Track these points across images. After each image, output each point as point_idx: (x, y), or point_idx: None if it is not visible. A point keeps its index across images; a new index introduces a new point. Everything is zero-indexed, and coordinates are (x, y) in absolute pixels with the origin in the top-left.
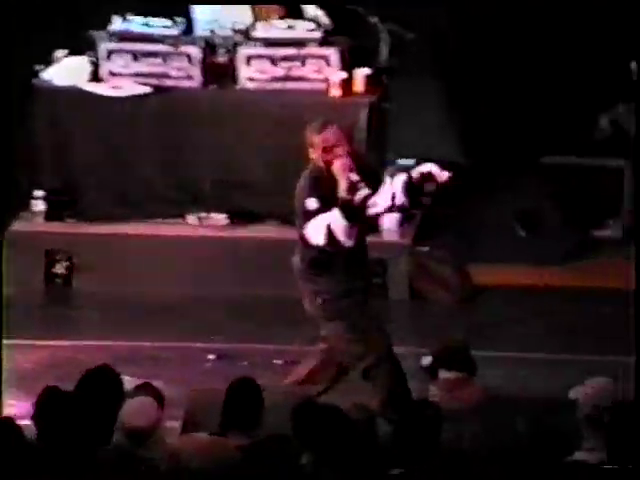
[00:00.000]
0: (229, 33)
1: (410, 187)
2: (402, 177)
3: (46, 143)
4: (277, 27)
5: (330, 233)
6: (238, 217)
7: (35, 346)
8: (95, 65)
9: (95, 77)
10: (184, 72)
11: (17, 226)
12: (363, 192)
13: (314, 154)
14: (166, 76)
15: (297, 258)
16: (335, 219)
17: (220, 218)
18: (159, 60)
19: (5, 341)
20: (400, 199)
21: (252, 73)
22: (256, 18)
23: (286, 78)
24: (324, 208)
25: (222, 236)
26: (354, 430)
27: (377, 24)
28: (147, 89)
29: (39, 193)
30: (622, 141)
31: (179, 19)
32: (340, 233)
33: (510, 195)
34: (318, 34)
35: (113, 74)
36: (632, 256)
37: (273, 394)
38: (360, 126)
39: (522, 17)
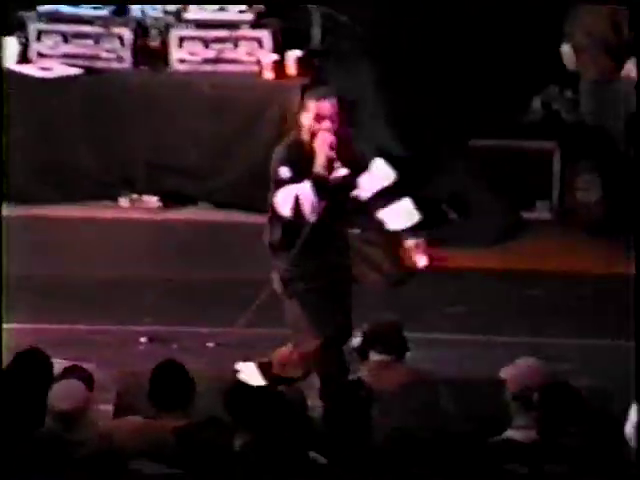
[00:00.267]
0: (161, 15)
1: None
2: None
3: None
4: (209, 9)
5: (297, 206)
6: (171, 200)
7: None
8: (24, 46)
9: (24, 58)
10: (115, 54)
11: None
12: (341, 172)
13: (305, 119)
14: (97, 58)
15: (267, 230)
16: (304, 191)
17: (152, 201)
18: (90, 42)
19: None
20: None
21: (184, 55)
22: None
23: (218, 60)
24: (297, 178)
25: (154, 219)
26: (287, 410)
27: (310, 7)
28: (77, 70)
29: None
30: (553, 123)
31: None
32: (307, 206)
33: (441, 178)
34: (250, 16)
35: (42, 55)
36: (630, 245)
37: (207, 377)
38: (293, 108)
39: (462, 5)
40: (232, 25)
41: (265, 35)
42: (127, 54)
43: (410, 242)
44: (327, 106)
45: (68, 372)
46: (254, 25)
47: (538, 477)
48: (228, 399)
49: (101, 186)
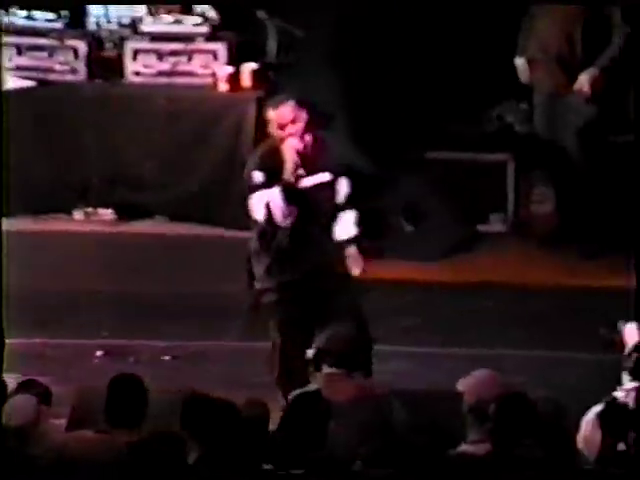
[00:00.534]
0: (116, 27)
1: None
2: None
3: None
4: (164, 21)
5: (269, 211)
6: (125, 213)
7: None
8: None
9: None
10: (69, 66)
11: None
12: (317, 177)
13: (272, 129)
14: (50, 70)
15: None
16: (274, 197)
17: (107, 214)
18: (44, 54)
19: None
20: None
21: (139, 67)
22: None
23: (173, 73)
24: (269, 184)
25: (109, 232)
26: (244, 425)
27: (265, 20)
28: (30, 83)
29: None
30: (507, 136)
31: (63, 12)
32: (277, 212)
33: (396, 190)
34: (205, 29)
35: None
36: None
37: (162, 391)
38: (248, 120)
39: (410, 14)
40: (187, 38)
41: (220, 48)
42: (81, 66)
43: (349, 251)
44: (285, 112)
45: (24, 387)
46: (209, 38)
47: None
48: (183, 412)
49: (55, 199)
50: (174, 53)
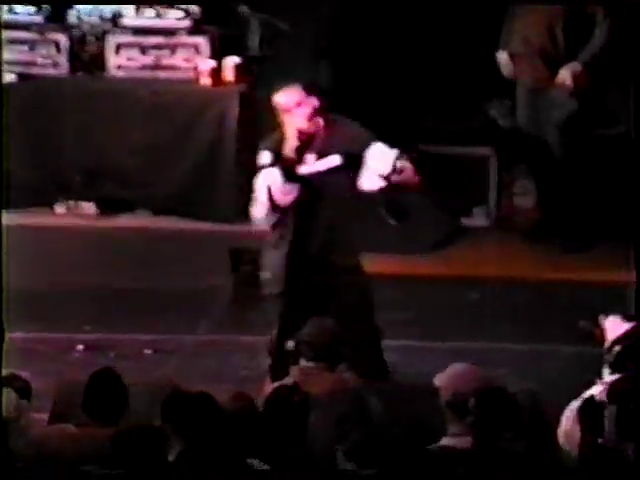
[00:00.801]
0: (98, 21)
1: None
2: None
3: None
4: (146, 15)
5: (270, 191)
6: (108, 206)
7: None
8: None
9: None
10: (51, 60)
11: None
12: (324, 162)
13: (280, 115)
14: (32, 64)
15: None
16: (273, 175)
17: (89, 207)
18: (25, 48)
19: None
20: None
21: (121, 61)
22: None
23: (156, 66)
24: (275, 165)
25: (91, 225)
26: (225, 420)
27: (248, 13)
28: (11, 77)
29: None
30: (489, 129)
31: (45, 6)
32: (276, 191)
33: None
34: (188, 22)
35: None
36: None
37: (143, 385)
38: (231, 114)
39: (394, 8)
40: (169, 32)
41: (203, 42)
42: (63, 60)
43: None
44: (290, 95)
45: (4, 381)
46: (192, 32)
47: None
48: (164, 406)
49: (37, 193)
50: (157, 47)
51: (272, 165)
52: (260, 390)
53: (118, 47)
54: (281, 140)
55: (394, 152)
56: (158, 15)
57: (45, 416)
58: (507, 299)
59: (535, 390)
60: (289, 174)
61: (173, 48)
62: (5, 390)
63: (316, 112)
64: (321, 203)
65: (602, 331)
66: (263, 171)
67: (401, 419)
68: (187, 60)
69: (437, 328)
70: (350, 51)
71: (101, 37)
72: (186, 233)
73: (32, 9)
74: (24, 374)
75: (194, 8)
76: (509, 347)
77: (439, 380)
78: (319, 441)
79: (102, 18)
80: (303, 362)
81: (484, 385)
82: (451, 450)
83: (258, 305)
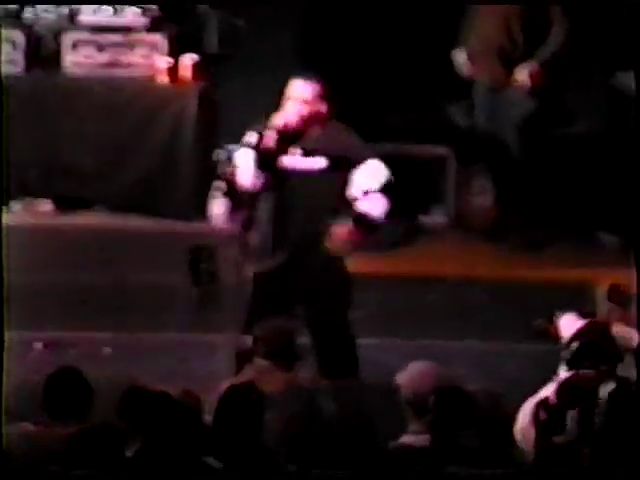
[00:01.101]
0: (54, 18)
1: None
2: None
3: None
4: (103, 13)
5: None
6: (64, 204)
7: None
8: None
9: None
10: (6, 57)
11: None
12: (308, 161)
13: (286, 101)
14: None
15: None
16: (245, 157)
17: (45, 205)
18: None
19: None
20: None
21: (78, 59)
22: None
23: (113, 64)
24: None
25: (48, 223)
26: (182, 416)
27: (205, 11)
28: None
29: None
30: (446, 128)
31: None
32: (243, 172)
33: None
34: (145, 20)
35: None
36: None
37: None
38: (189, 112)
39: (356, 10)
40: (127, 29)
41: (160, 39)
42: (20, 57)
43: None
44: (304, 88)
45: None
46: (149, 29)
47: None
48: (122, 405)
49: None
50: (114, 44)
51: (250, 146)
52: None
53: (75, 44)
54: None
55: (386, 175)
56: (115, 12)
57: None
58: (465, 297)
59: (493, 388)
60: (261, 161)
61: (131, 46)
62: None
63: (316, 116)
64: (297, 199)
65: (557, 329)
66: (240, 149)
67: (353, 418)
68: (145, 58)
69: (395, 326)
70: (307, 49)
71: (58, 34)
72: (144, 231)
73: None
74: None
75: (151, 5)
76: (467, 345)
77: (400, 378)
78: (270, 440)
79: (58, 15)
80: (257, 360)
81: (444, 383)
82: (409, 448)
83: (217, 303)
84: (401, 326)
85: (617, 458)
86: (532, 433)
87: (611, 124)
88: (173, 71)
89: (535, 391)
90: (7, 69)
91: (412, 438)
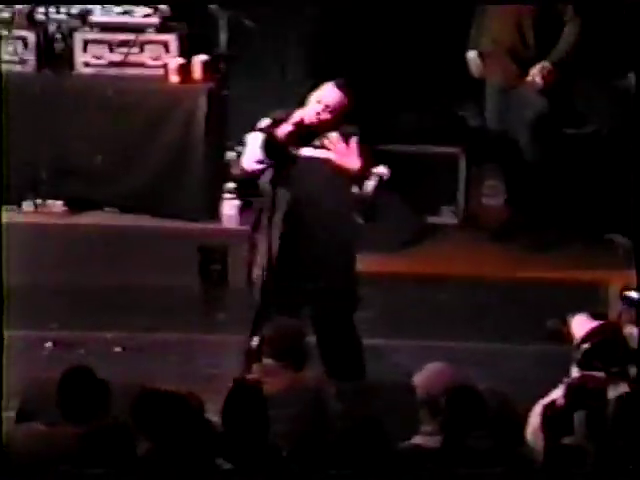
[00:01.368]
0: (65, 18)
1: None
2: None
3: None
4: (114, 12)
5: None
6: (75, 204)
7: None
8: None
9: None
10: (17, 56)
11: None
12: (314, 151)
13: (310, 97)
14: None
15: None
16: (253, 141)
17: (57, 205)
18: None
19: None
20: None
21: (88, 58)
22: None
23: (123, 64)
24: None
25: (59, 223)
26: (193, 417)
27: (216, 11)
28: None
29: None
30: (457, 128)
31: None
32: (247, 154)
33: None
34: (156, 20)
35: None
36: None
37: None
38: (199, 112)
39: (371, 10)
40: (138, 29)
41: (171, 39)
42: (31, 57)
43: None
44: (330, 93)
45: None
46: (160, 29)
47: None
48: (136, 405)
49: (4, 190)
50: (125, 44)
51: (261, 131)
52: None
53: (86, 44)
54: (287, 117)
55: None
56: (125, 12)
57: (12, 414)
58: (475, 298)
59: (503, 389)
60: (266, 145)
61: (141, 45)
62: None
63: (334, 122)
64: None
65: (569, 330)
66: (252, 133)
67: (360, 419)
68: (155, 57)
69: (404, 327)
70: (320, 50)
71: (69, 34)
72: (154, 231)
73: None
74: None
75: (162, 5)
76: (477, 346)
77: (416, 378)
78: (277, 441)
79: (70, 14)
80: (265, 360)
81: (456, 384)
82: (420, 449)
83: (227, 304)
84: (410, 327)
85: (625, 459)
86: (541, 434)
87: (623, 125)
88: (184, 71)
89: (545, 392)
90: (18, 68)
91: (423, 439)
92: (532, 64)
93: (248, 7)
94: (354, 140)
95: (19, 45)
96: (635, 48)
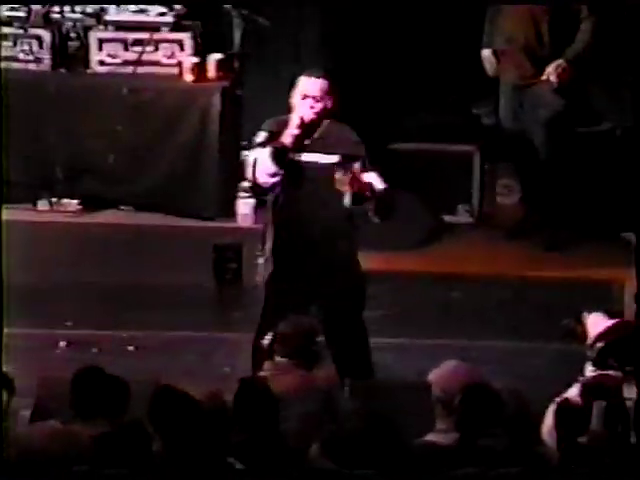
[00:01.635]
0: (80, 16)
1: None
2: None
3: None
4: (129, 11)
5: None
6: (90, 203)
7: None
8: None
9: None
10: (33, 55)
11: None
12: (318, 156)
13: (293, 97)
14: (14, 59)
15: None
16: (262, 155)
17: (72, 204)
18: (8, 43)
19: None
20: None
21: (103, 57)
22: None
23: (138, 62)
24: (268, 144)
25: (74, 222)
26: (204, 418)
27: (230, 10)
28: None
29: None
30: (472, 127)
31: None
32: (260, 170)
33: None
34: (170, 18)
35: None
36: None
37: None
38: (213, 111)
39: (379, 8)
40: (152, 27)
41: (186, 37)
42: (46, 55)
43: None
44: (314, 85)
45: None
46: (175, 27)
47: None
48: (152, 404)
49: (19, 189)
50: (139, 42)
51: (264, 145)
52: None
53: (101, 43)
54: (284, 123)
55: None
56: (140, 10)
57: (27, 413)
58: (490, 296)
59: (519, 388)
60: (278, 157)
61: (156, 44)
62: None
63: (326, 111)
64: (311, 198)
65: (584, 328)
66: (254, 150)
67: (371, 418)
68: (170, 56)
69: (420, 325)
70: (335, 48)
71: (84, 33)
72: (169, 230)
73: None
74: (7, 370)
75: (177, 4)
76: (492, 344)
77: (431, 376)
78: (288, 439)
79: (85, 13)
80: (277, 358)
81: (471, 382)
82: (433, 446)
83: (241, 302)
84: (425, 325)
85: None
86: (556, 433)
87: (638, 123)
88: (198, 69)
89: (561, 391)
90: (33, 67)
91: (437, 436)
92: (547, 62)
93: (262, 6)
94: (356, 166)
95: (34, 44)
96: (635, 49)
